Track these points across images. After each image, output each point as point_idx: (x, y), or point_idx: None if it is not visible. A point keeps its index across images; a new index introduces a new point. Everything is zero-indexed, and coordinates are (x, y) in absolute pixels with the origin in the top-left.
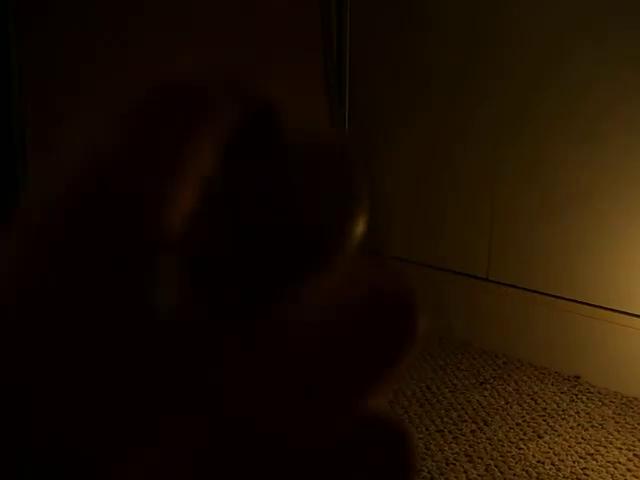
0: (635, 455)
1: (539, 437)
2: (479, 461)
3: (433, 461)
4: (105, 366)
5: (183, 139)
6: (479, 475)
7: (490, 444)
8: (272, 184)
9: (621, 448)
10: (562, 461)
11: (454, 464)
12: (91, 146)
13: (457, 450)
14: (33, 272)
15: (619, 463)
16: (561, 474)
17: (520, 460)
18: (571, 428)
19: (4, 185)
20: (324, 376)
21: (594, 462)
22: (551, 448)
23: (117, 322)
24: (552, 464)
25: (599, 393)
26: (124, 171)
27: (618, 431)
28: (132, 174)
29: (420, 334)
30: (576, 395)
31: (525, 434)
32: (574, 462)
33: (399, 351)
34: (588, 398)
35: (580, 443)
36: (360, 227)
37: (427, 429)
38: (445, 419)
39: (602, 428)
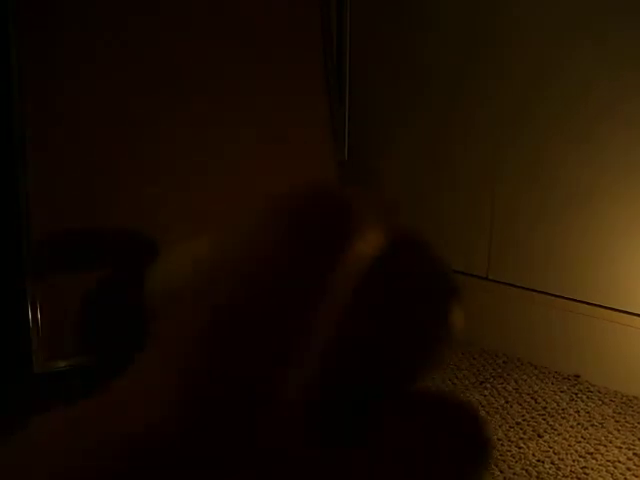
0: (635, 454)
1: (539, 436)
2: None
3: None
4: None
5: (344, 253)
6: None
7: None
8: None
9: (621, 447)
10: (562, 460)
11: None
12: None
13: None
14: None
15: (619, 462)
16: (561, 473)
17: (520, 459)
18: (571, 427)
19: (4, 185)
20: None
21: (594, 461)
22: (551, 447)
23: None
24: (552, 463)
25: (599, 392)
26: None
27: (618, 430)
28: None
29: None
30: (576, 394)
31: (525, 433)
32: (574, 461)
33: (480, 471)
34: (588, 397)
35: (580, 442)
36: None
37: None
38: None
39: (602, 427)
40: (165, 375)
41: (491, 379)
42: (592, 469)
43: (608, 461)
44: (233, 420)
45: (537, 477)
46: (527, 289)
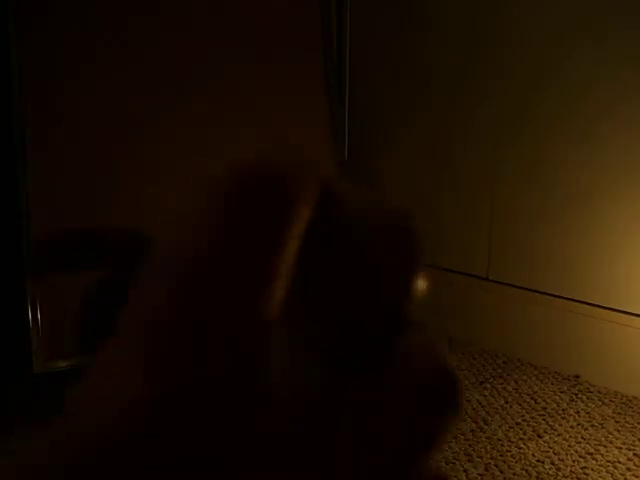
0: (635, 454)
1: (539, 436)
2: (479, 460)
3: (433, 460)
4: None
5: (283, 227)
6: (479, 474)
7: (490, 443)
8: (341, 255)
9: (621, 447)
10: (562, 460)
11: (454, 463)
12: (196, 228)
13: (457, 449)
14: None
15: (619, 462)
16: (561, 473)
17: (520, 459)
18: (571, 427)
19: (4, 185)
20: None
21: (594, 461)
22: (551, 447)
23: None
24: (552, 463)
25: (599, 392)
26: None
27: (618, 430)
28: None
29: (461, 406)
30: (576, 394)
31: (525, 433)
32: (574, 461)
33: (446, 421)
34: (588, 397)
35: (580, 442)
36: (423, 286)
37: None
38: None
39: (602, 427)
40: (133, 358)
41: (491, 379)
42: (592, 469)
43: (608, 461)
44: (203, 402)
45: (537, 477)
46: (527, 289)
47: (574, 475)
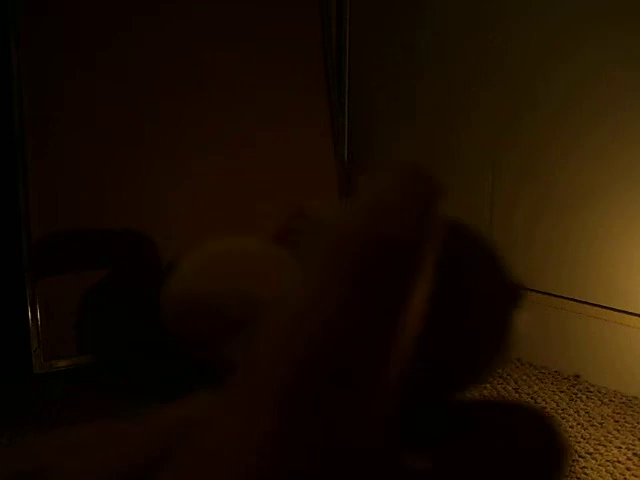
0: (634, 454)
1: None
2: None
3: None
4: None
5: (404, 302)
6: None
7: None
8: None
9: (620, 447)
10: None
11: None
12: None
13: None
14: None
15: (618, 462)
16: None
17: None
18: (570, 427)
19: (4, 185)
20: None
21: (593, 461)
22: None
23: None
24: None
25: (598, 392)
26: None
27: (617, 430)
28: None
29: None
30: (575, 394)
31: None
32: (573, 461)
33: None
34: (587, 397)
35: (579, 442)
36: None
37: None
38: None
39: (601, 427)
40: (258, 419)
41: (491, 379)
42: (592, 469)
43: (608, 461)
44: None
45: None
46: (527, 289)
47: (574, 475)
